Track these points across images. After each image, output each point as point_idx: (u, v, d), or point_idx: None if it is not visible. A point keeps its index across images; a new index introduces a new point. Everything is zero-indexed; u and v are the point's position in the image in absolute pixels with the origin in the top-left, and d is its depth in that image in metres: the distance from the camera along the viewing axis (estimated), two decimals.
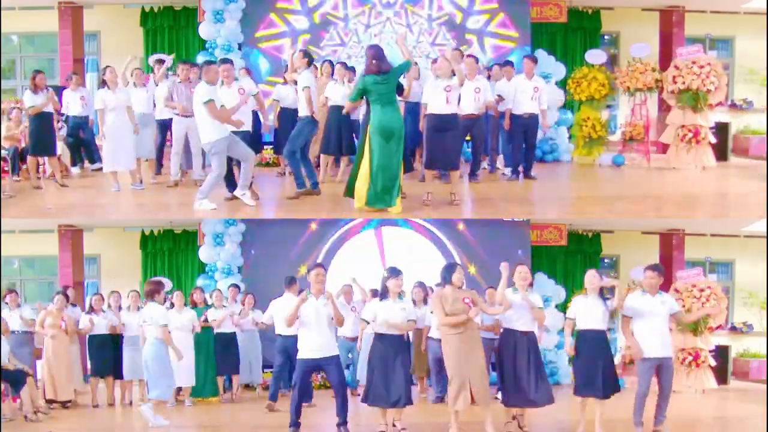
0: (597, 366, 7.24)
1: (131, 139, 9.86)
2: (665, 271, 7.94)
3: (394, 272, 7.45)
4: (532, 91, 10.29)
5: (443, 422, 7.51)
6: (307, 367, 7.27)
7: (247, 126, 9.17)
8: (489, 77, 10.61)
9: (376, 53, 8.12)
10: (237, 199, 8.87)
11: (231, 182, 8.94)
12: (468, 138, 10.05)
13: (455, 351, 7.12)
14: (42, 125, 10.01)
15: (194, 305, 10.01)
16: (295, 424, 7.24)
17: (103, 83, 9.76)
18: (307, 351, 7.21)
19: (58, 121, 11.20)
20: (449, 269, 7.30)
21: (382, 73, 8.03)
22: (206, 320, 9.84)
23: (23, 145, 10.56)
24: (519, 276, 7.43)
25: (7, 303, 9.60)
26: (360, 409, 7.65)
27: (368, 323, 7.59)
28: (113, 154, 9.71)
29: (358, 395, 9.76)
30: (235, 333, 10.07)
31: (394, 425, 7.51)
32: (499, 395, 7.61)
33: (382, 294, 7.47)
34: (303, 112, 9.03)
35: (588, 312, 7.37)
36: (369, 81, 8.07)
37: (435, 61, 10.24)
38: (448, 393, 7.38)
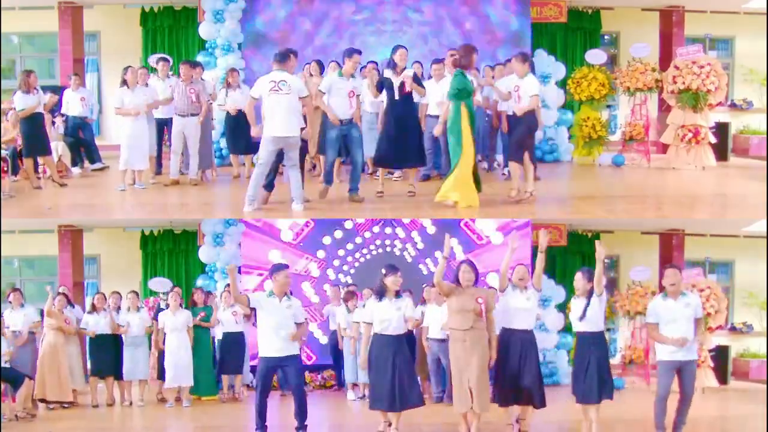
0: (588, 370, 7.06)
1: (147, 138, 9.94)
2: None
3: (393, 269, 7.30)
4: None
5: (443, 422, 7.50)
6: (267, 366, 7.11)
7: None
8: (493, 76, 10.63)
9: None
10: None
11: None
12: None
13: (458, 351, 7.07)
14: (35, 126, 9.97)
15: (194, 305, 10.02)
16: (262, 427, 7.11)
17: (123, 82, 9.82)
18: (267, 350, 7.07)
19: (54, 121, 11.19)
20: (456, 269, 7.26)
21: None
22: (202, 320, 9.83)
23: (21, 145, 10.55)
24: (517, 276, 7.40)
25: (10, 302, 9.60)
26: (354, 409, 7.56)
27: (369, 324, 7.29)
28: (131, 153, 9.73)
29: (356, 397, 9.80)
30: (242, 333, 10.05)
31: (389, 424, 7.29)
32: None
33: (380, 293, 7.28)
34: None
35: (576, 315, 7.19)
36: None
37: (438, 61, 10.24)
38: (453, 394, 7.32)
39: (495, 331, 7.26)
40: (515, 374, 7.23)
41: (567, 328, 10.41)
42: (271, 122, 8.12)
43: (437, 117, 9.90)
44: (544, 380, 10.66)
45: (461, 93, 8.33)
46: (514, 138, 8.77)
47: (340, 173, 10.37)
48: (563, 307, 10.64)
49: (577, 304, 7.23)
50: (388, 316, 7.19)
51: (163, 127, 10.67)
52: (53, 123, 11.18)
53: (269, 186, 8.82)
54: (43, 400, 9.29)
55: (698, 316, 7.19)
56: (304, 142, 9.02)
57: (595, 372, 7.08)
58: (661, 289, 7.34)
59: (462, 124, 8.32)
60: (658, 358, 7.27)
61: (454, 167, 8.36)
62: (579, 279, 7.27)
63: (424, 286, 9.88)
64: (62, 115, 11.25)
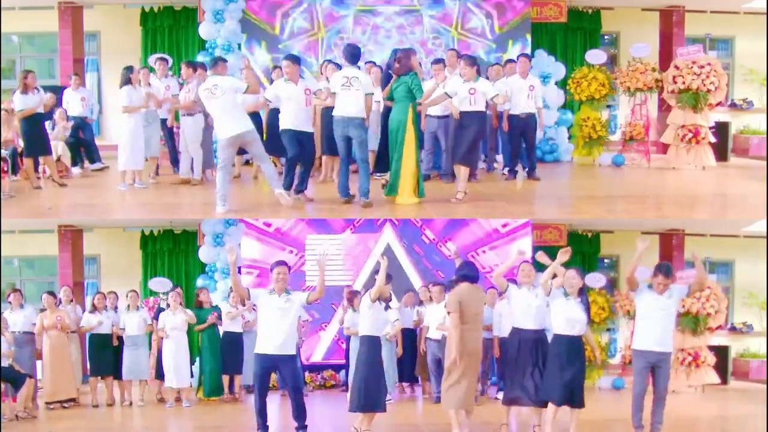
0: (579, 373, 6.99)
1: (143, 138, 9.94)
2: None
3: (386, 277, 7.28)
4: (528, 90, 10.27)
5: (444, 422, 7.49)
6: (263, 363, 7.07)
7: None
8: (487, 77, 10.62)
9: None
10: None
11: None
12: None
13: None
14: (34, 127, 9.93)
15: (200, 306, 10.02)
16: (263, 427, 7.09)
17: (128, 81, 9.79)
18: (264, 347, 7.05)
19: (66, 120, 11.19)
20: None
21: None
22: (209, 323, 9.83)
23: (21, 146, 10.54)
24: (522, 274, 7.32)
25: (10, 303, 9.60)
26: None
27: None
28: (130, 152, 9.73)
29: None
30: (241, 333, 10.05)
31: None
32: (500, 395, 7.52)
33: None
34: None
35: (566, 315, 7.04)
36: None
37: (438, 61, 10.23)
38: None
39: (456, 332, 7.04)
40: (526, 375, 7.10)
41: None
42: (220, 125, 8.30)
43: (437, 117, 9.94)
44: None
45: (414, 95, 8.35)
46: (466, 142, 8.59)
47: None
48: None
49: (570, 306, 7.06)
50: (379, 315, 7.25)
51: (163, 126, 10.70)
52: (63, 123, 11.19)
53: (299, 187, 8.86)
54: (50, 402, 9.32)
55: (683, 295, 7.39)
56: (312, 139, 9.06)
57: (583, 376, 7.11)
58: None
59: (408, 125, 8.34)
60: (633, 346, 7.35)
61: (399, 167, 8.46)
62: (574, 277, 7.13)
63: (426, 286, 9.87)
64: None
